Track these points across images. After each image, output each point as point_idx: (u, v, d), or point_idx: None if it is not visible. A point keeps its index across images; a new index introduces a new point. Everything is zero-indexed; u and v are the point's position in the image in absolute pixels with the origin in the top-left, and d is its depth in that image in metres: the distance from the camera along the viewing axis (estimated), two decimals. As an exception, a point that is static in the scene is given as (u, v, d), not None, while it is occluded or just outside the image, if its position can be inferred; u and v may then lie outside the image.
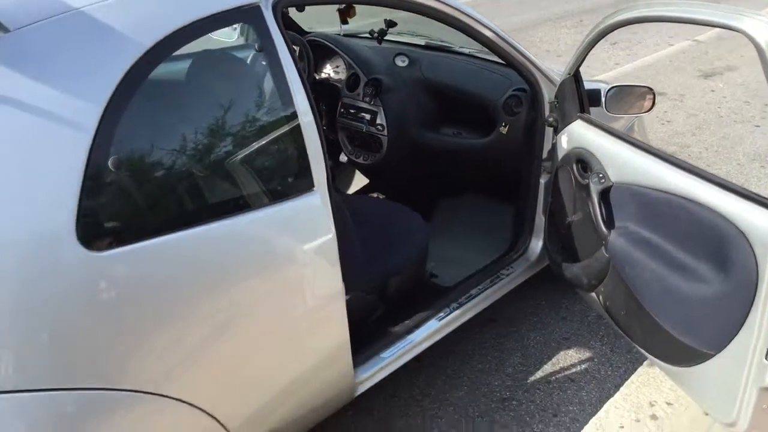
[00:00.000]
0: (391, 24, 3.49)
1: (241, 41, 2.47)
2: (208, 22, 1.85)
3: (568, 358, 3.13)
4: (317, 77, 3.72)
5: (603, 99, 2.80)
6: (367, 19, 3.69)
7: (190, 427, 1.80)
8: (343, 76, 3.64)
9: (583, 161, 2.62)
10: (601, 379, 2.99)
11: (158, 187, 1.76)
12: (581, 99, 2.72)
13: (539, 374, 3.03)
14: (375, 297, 2.63)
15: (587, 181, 2.56)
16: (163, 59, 1.75)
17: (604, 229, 2.44)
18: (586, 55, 2.59)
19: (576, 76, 2.70)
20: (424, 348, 2.66)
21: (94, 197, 1.60)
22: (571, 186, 2.71)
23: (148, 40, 1.74)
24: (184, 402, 1.75)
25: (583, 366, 3.08)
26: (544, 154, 3.02)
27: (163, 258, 1.70)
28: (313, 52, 3.50)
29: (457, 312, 2.79)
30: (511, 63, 2.82)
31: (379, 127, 3.39)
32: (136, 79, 1.69)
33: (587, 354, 3.16)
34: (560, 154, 2.81)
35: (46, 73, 1.61)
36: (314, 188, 2.00)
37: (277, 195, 1.94)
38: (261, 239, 1.89)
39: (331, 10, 3.33)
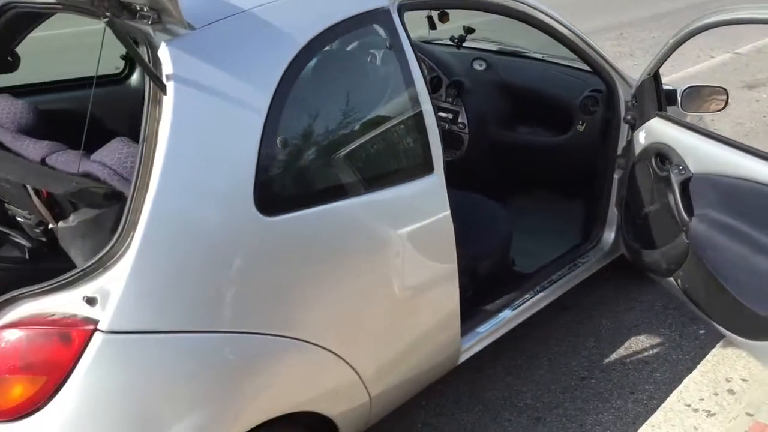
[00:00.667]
0: (469, 30, 3.74)
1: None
2: (350, 22, 2.11)
3: (640, 343, 3.33)
4: None
5: (679, 98, 3.01)
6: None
7: (336, 375, 2.03)
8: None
9: (662, 155, 2.83)
10: (673, 362, 3.18)
11: (317, 162, 2.02)
12: (659, 98, 2.94)
13: (613, 357, 3.23)
14: (467, 278, 2.86)
15: (667, 173, 2.77)
16: (315, 54, 2.01)
17: (685, 216, 2.65)
18: (668, 57, 2.81)
19: (656, 77, 2.92)
20: (514, 326, 2.88)
21: (267, 170, 1.85)
22: (650, 179, 2.93)
23: (304, 38, 1.99)
24: (333, 353, 1.99)
25: (655, 350, 3.27)
26: (619, 151, 3.24)
27: (323, 224, 1.95)
28: None
29: (540, 294, 3.01)
30: (591, 64, 3.05)
31: (460, 125, 3.64)
32: (296, 70, 1.95)
33: (657, 339, 3.35)
34: (637, 150, 3.03)
35: (225, 63, 1.87)
36: (434, 171, 2.24)
37: (408, 174, 2.20)
38: (397, 213, 2.15)
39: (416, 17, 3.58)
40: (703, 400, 2.81)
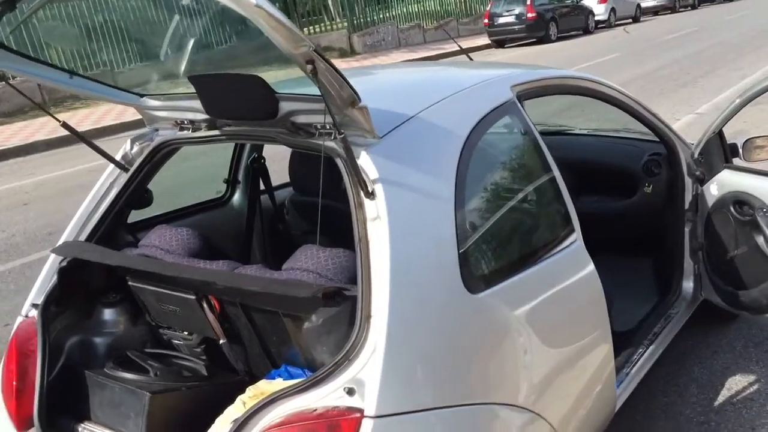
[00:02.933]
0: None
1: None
2: (493, 114, 2.36)
3: (737, 382, 3.51)
4: None
5: (740, 150, 3.32)
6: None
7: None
8: None
9: (740, 201, 3.11)
10: (777, 395, 3.36)
11: (498, 238, 2.22)
12: (725, 152, 3.25)
13: (720, 399, 3.39)
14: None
15: (749, 217, 3.04)
16: (475, 144, 2.24)
17: None
18: (733, 116, 3.13)
19: (720, 134, 3.23)
20: (641, 377, 3.03)
21: (465, 252, 2.04)
22: (731, 225, 3.19)
23: (464, 132, 2.23)
24: (535, 413, 2.12)
25: (755, 387, 3.45)
26: (686, 206, 3.51)
27: (514, 294, 2.13)
28: None
29: (651, 348, 3.18)
30: (653, 128, 3.35)
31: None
32: (465, 160, 2.17)
33: (752, 377, 3.53)
34: (710, 201, 3.31)
35: (412, 163, 2.08)
36: (575, 230, 2.47)
37: (562, 237, 2.42)
38: (563, 275, 2.34)
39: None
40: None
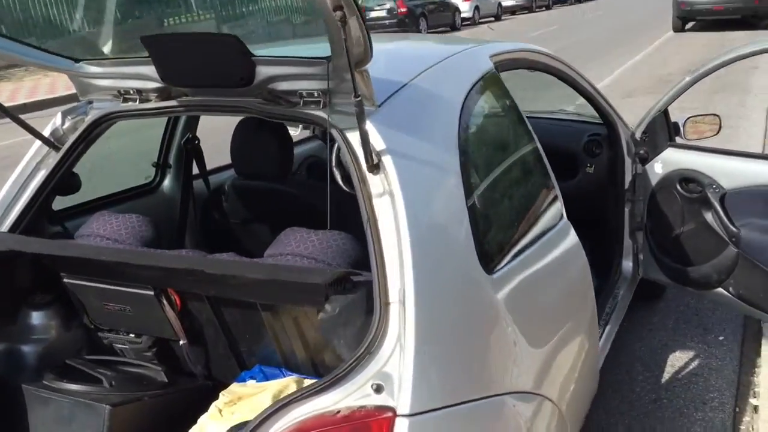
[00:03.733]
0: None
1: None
2: (480, 83, 2.20)
3: (678, 359, 3.56)
4: None
5: (682, 129, 3.35)
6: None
7: (548, 415, 2.01)
8: None
9: (687, 179, 3.13)
10: (718, 368, 3.43)
11: (504, 214, 2.07)
12: (670, 130, 3.26)
13: (666, 375, 3.43)
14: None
15: (697, 194, 3.07)
16: (470, 113, 2.07)
17: (732, 228, 2.93)
18: (680, 95, 3.14)
19: (665, 113, 3.24)
20: (603, 359, 2.98)
21: (477, 228, 1.86)
22: (677, 203, 3.21)
23: (458, 99, 2.06)
24: (544, 396, 1.97)
25: (696, 362, 3.51)
26: (626, 186, 3.51)
27: (523, 273, 1.98)
28: None
29: (608, 328, 3.15)
30: (597, 106, 3.32)
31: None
32: (463, 129, 1.99)
33: (691, 352, 3.60)
34: (653, 180, 3.32)
35: (413, 133, 1.88)
36: (562, 206, 2.37)
37: (555, 214, 2.32)
38: (561, 251, 2.23)
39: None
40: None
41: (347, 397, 1.57)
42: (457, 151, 1.91)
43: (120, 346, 2.32)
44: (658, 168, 3.30)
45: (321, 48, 1.81)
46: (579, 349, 2.30)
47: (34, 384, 2.02)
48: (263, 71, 1.92)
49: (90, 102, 2.27)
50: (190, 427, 1.99)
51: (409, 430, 1.53)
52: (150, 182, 3.06)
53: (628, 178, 3.49)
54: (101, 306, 2.20)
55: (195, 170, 3.08)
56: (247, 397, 2.04)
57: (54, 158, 2.22)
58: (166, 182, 3.09)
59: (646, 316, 3.96)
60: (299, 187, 2.84)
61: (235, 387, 2.11)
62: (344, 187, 3.12)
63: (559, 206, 2.34)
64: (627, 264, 3.62)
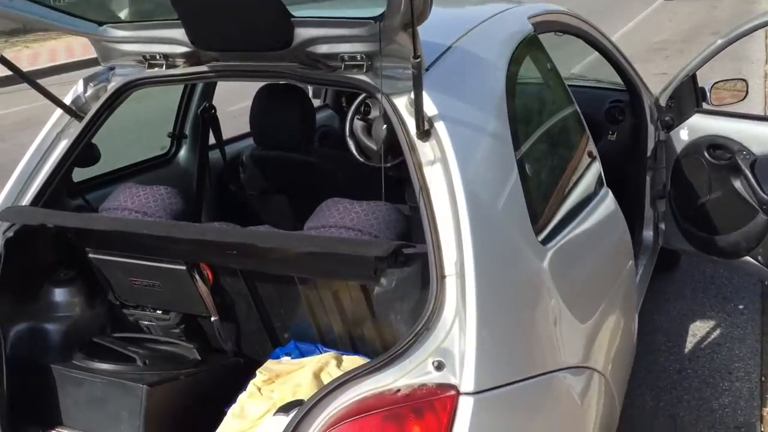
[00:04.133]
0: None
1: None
2: (522, 46, 2.11)
3: (699, 328, 3.52)
4: None
5: (708, 94, 3.27)
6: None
7: (597, 387, 1.94)
8: None
9: (715, 146, 3.06)
10: (741, 338, 3.41)
11: (553, 182, 2.00)
12: (698, 96, 3.19)
13: (689, 346, 3.39)
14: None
15: (727, 161, 3.00)
16: (515, 76, 1.99)
17: (763, 195, 2.87)
18: (710, 59, 3.06)
19: (693, 78, 3.16)
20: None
21: (531, 197, 1.78)
22: (703, 170, 3.14)
23: (503, 63, 1.97)
24: (593, 369, 1.91)
25: (717, 332, 3.48)
26: (648, 153, 3.44)
27: (574, 243, 1.91)
28: None
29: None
30: (625, 74, 3.23)
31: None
32: (510, 93, 1.91)
33: (711, 322, 3.57)
34: (679, 147, 3.25)
35: (461, 97, 1.79)
36: (601, 173, 2.30)
37: (599, 181, 2.26)
38: (606, 218, 2.17)
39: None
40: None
41: (406, 375, 1.49)
42: (506, 115, 1.83)
43: (146, 323, 2.23)
44: (683, 135, 3.23)
45: (364, 9, 1.71)
46: (621, 317, 2.24)
47: (63, 364, 1.94)
48: (302, 33, 1.81)
49: (112, 68, 2.16)
50: (224, 406, 1.92)
51: (473, 409, 1.46)
52: (166, 153, 2.95)
53: (650, 145, 3.43)
54: (128, 282, 2.12)
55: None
56: (285, 374, 1.97)
57: (76, 128, 2.11)
58: (182, 153, 2.98)
59: (662, 285, 3.91)
60: (318, 156, 2.75)
61: (271, 364, 2.04)
62: (359, 158, 3.04)
63: (600, 173, 2.27)
64: (648, 234, 3.56)
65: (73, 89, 2.13)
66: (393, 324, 1.72)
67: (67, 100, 2.12)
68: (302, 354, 2.09)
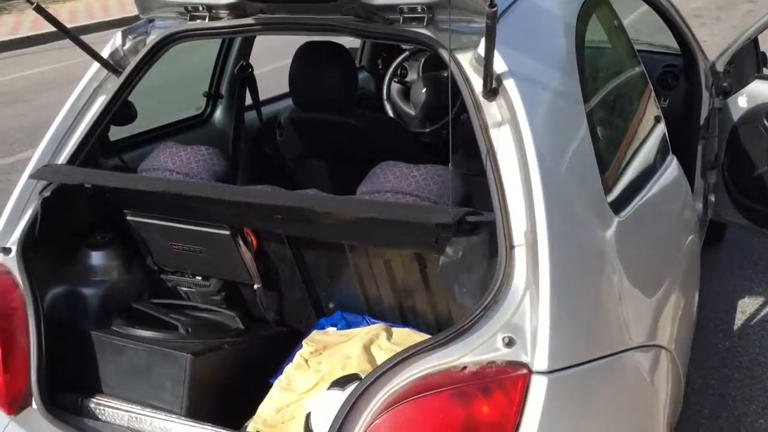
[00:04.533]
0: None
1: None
2: (589, 2, 1.96)
3: (748, 305, 3.39)
4: None
5: (771, 59, 3.10)
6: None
7: (665, 364, 1.83)
8: None
9: (778, 113, 2.90)
10: (792, 314, 3.27)
11: (625, 149, 1.87)
12: (759, 62, 3.01)
13: (738, 323, 3.27)
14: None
15: None
16: (583, 33, 1.85)
17: None
18: None
19: (755, 42, 2.99)
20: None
21: (603, 164, 1.66)
22: (762, 139, 2.98)
23: (572, 19, 1.83)
24: (660, 346, 1.79)
25: (767, 308, 3.34)
26: (701, 121, 3.28)
27: (645, 214, 1.79)
28: None
29: None
30: (682, 37, 3.07)
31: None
32: (579, 52, 1.77)
33: (760, 298, 3.43)
34: (736, 115, 3.08)
35: (530, 55, 1.66)
36: (668, 142, 2.17)
37: (666, 150, 2.14)
38: (674, 188, 2.06)
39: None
40: None
41: (473, 351, 1.39)
42: (577, 75, 1.70)
43: (185, 289, 2.15)
44: (741, 102, 3.06)
45: None
46: (685, 291, 2.12)
47: (103, 330, 1.86)
48: None
49: (151, 21, 2.04)
50: (268, 377, 1.84)
51: (547, 390, 1.36)
52: (201, 113, 2.84)
53: (703, 113, 3.27)
54: (168, 246, 2.02)
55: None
56: (333, 345, 1.88)
57: (114, 83, 2.00)
58: (218, 113, 2.87)
59: (708, 259, 3.76)
60: (359, 119, 2.62)
61: (317, 335, 1.94)
62: (399, 120, 2.89)
63: (667, 139, 2.13)
64: (697, 205, 3.42)
65: (110, 42, 2.01)
66: (456, 296, 1.61)
67: (105, 54, 2.00)
68: (349, 325, 2.00)
